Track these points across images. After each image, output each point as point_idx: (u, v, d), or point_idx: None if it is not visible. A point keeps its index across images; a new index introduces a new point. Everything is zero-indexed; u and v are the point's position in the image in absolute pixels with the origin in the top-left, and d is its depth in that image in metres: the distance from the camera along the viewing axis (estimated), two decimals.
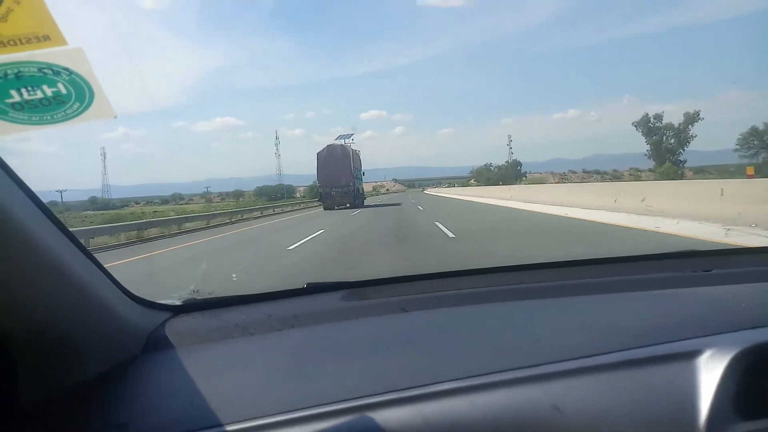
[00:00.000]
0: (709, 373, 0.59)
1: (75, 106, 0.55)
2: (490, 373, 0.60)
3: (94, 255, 0.70)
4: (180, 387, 0.66)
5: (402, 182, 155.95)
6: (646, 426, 0.55)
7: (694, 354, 0.61)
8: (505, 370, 0.61)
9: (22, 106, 0.53)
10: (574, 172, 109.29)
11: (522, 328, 0.79)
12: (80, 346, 0.64)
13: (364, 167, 26.22)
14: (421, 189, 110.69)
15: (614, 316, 0.80)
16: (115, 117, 0.58)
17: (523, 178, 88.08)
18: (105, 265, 0.71)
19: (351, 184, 22.41)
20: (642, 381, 0.59)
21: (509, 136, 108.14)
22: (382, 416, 0.56)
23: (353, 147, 25.42)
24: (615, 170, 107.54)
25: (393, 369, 0.65)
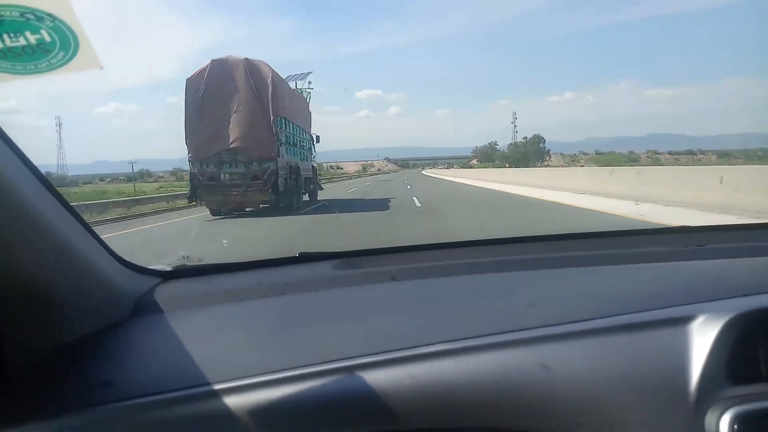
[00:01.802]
0: (701, 338, 0.63)
1: (60, 56, 0.57)
2: (480, 336, 0.64)
3: None
4: (167, 349, 0.69)
5: (395, 161, 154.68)
6: (637, 389, 0.59)
7: (686, 320, 0.65)
8: (495, 333, 0.64)
9: (4, 54, 0.55)
10: (585, 154, 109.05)
11: (514, 296, 0.82)
12: (68, 307, 0.66)
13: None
14: (420, 168, 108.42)
15: (608, 285, 0.84)
16: (101, 68, 0.60)
17: (546, 159, 79.25)
18: None
19: (271, 154, 9.31)
20: (634, 345, 0.63)
21: (514, 113, 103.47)
22: (371, 376, 0.59)
23: (303, 88, 13.71)
24: (631, 152, 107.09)
25: (383, 332, 0.68)
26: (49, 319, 0.65)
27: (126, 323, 0.76)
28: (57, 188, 0.68)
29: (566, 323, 0.66)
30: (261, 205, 9.71)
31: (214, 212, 9.88)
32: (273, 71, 9.59)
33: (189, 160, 9.39)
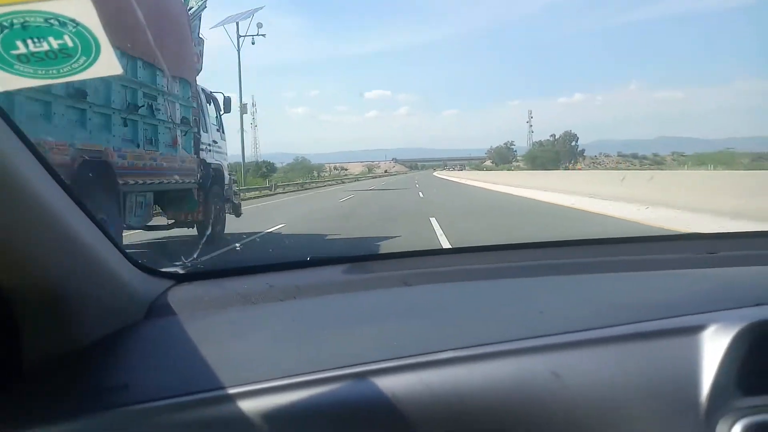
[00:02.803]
0: (713, 348, 0.64)
1: (81, 60, 0.59)
2: (493, 343, 0.66)
3: None
4: (182, 352, 0.71)
5: (404, 163, 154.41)
6: (648, 397, 0.61)
7: (698, 329, 0.66)
8: (507, 341, 0.66)
9: (27, 59, 0.57)
10: (608, 156, 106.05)
11: (526, 302, 0.84)
12: (82, 308, 0.69)
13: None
14: (431, 170, 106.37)
15: (619, 292, 0.86)
16: (120, 73, 0.63)
17: (580, 159, 71.44)
18: None
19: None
20: (646, 354, 0.64)
21: (529, 112, 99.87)
22: (384, 382, 0.61)
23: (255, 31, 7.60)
24: (655, 154, 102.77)
25: (396, 338, 0.70)
26: (64, 319, 0.67)
27: (140, 325, 0.79)
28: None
29: (578, 331, 0.68)
30: None
31: None
32: None
33: None
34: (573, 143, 73.80)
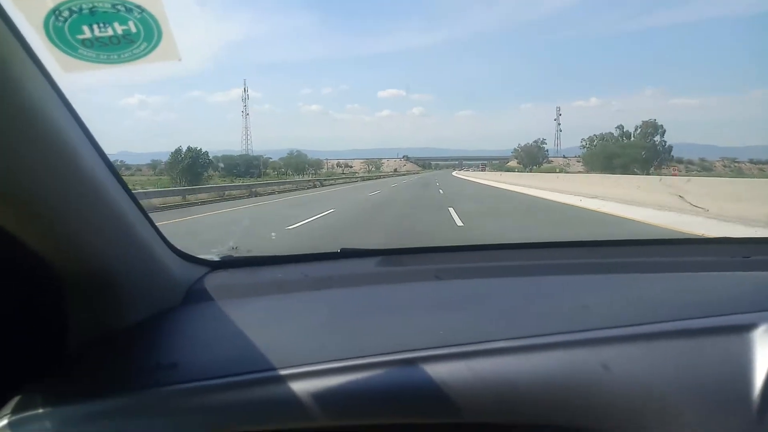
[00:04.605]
0: (764, 347, 0.67)
1: (143, 46, 0.65)
2: (543, 335, 0.70)
3: None
4: (225, 335, 0.77)
5: (416, 161, 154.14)
6: (697, 394, 0.64)
7: (749, 327, 0.69)
8: (557, 333, 0.70)
9: (92, 43, 0.63)
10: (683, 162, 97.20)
11: (569, 298, 0.88)
12: (127, 290, 0.75)
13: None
14: (451, 169, 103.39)
15: (660, 291, 0.90)
16: (180, 60, 0.68)
17: (670, 163, 53.44)
18: None
19: None
20: (695, 350, 0.68)
21: (558, 109, 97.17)
22: (433, 368, 0.65)
23: None
24: (703, 159, 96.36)
25: (441, 327, 0.74)
26: (110, 300, 0.73)
27: (179, 310, 0.85)
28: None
29: (626, 326, 0.71)
30: None
31: None
32: None
33: None
34: (656, 138, 53.28)
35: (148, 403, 0.64)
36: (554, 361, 0.67)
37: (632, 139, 56.86)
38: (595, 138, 64.35)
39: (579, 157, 74.29)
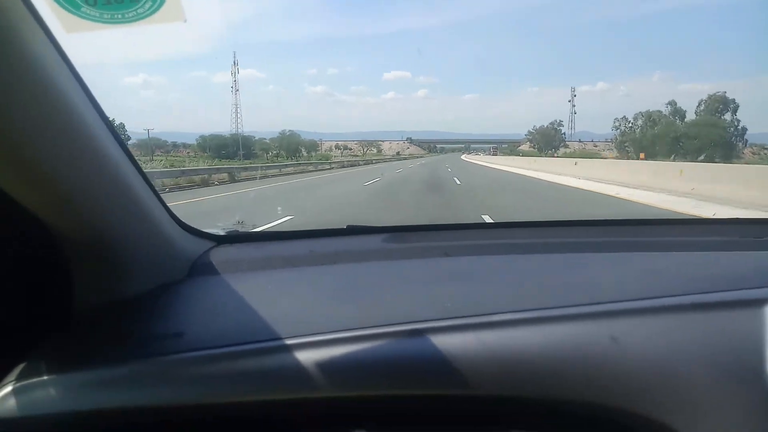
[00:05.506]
0: None
1: (146, 6, 0.65)
2: (552, 308, 0.71)
3: None
4: (230, 306, 0.78)
5: (420, 144, 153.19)
6: (708, 368, 0.65)
7: (761, 302, 0.71)
8: (566, 306, 0.71)
9: (95, 1, 0.64)
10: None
11: (579, 273, 0.89)
12: (130, 259, 0.77)
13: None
14: (460, 153, 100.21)
15: (673, 267, 0.91)
16: (185, 21, 0.69)
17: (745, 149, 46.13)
18: None
19: None
20: (709, 324, 0.69)
21: (572, 89, 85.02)
22: (440, 339, 0.66)
23: None
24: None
25: (448, 299, 0.76)
26: (112, 268, 0.75)
27: (184, 282, 0.87)
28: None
29: (637, 299, 0.73)
30: None
31: None
32: None
33: None
34: (726, 116, 43.24)
35: (154, 371, 0.66)
36: (562, 334, 0.68)
37: (695, 117, 47.42)
38: (640, 116, 54.22)
39: (610, 141, 65.84)
